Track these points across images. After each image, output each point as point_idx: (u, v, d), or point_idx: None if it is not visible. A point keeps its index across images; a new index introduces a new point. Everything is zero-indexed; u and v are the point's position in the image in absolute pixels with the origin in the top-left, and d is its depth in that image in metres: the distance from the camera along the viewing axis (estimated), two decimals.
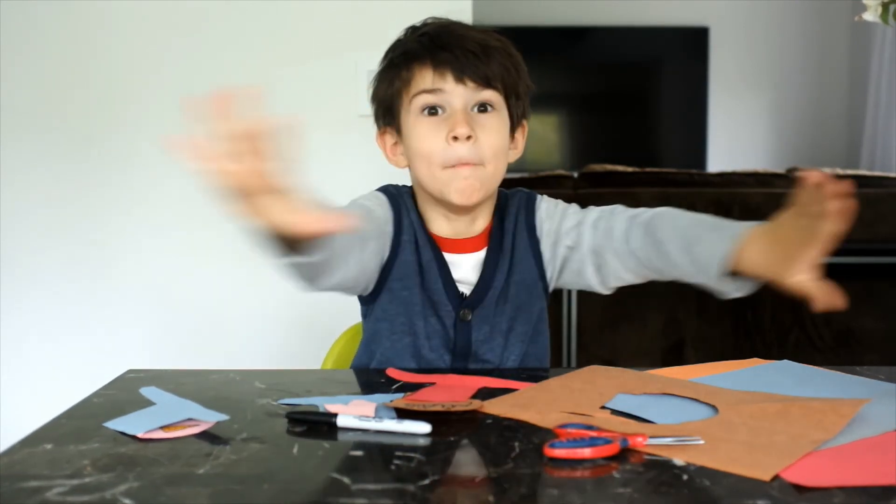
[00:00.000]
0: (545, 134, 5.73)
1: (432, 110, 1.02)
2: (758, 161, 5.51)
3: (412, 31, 1.08)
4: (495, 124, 1.04)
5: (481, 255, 1.08)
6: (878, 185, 3.11)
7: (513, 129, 1.09)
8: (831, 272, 3.01)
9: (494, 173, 1.04)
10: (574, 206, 1.13)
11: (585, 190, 2.98)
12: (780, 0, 5.47)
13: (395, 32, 1.11)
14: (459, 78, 1.01)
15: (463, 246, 1.08)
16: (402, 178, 1.15)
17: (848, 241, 3.11)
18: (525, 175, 3.17)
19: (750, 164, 5.40)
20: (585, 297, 2.86)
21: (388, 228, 1.06)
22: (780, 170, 3.83)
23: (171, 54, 1.87)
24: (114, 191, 1.88)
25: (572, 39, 5.52)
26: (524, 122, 1.12)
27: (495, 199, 1.11)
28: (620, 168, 3.18)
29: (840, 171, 3.40)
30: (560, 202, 1.14)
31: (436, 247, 1.07)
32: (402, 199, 1.09)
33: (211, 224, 1.90)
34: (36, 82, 1.86)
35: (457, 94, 1.01)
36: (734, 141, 5.57)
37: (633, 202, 3.32)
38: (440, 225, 1.08)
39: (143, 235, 1.90)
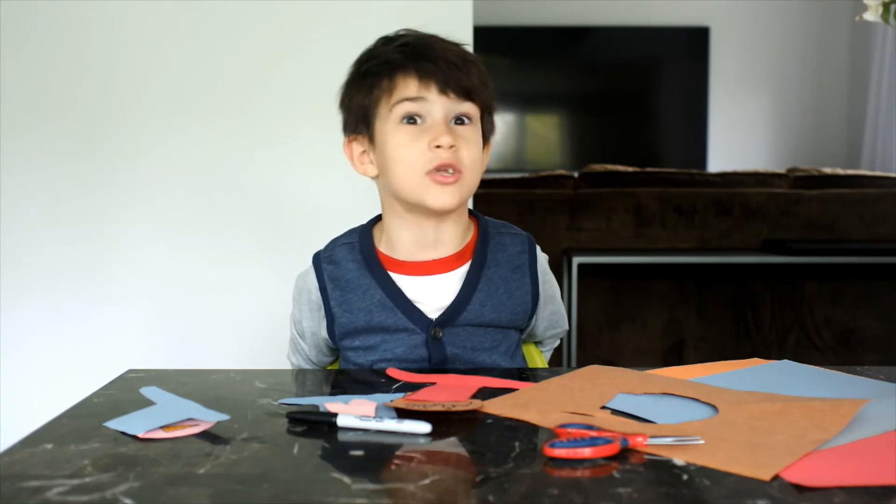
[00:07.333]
0: (545, 134, 5.73)
1: (412, 119, 1.03)
2: (758, 161, 5.52)
3: (387, 41, 1.07)
4: (473, 136, 1.05)
5: (455, 275, 1.08)
6: (879, 185, 3.11)
7: (483, 143, 1.09)
8: (832, 272, 3.04)
9: (471, 184, 1.05)
10: (555, 289, 1.17)
11: (585, 190, 2.99)
12: (780, 0, 5.47)
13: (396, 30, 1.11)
14: (443, 89, 1.02)
15: (431, 268, 1.08)
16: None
17: (848, 241, 3.13)
18: (525, 175, 3.17)
19: (750, 164, 5.40)
20: (585, 297, 2.86)
21: (321, 313, 1.11)
22: (780, 170, 3.83)
23: (171, 54, 1.87)
24: (115, 191, 1.88)
25: (572, 39, 5.52)
26: (490, 140, 1.11)
27: (466, 219, 1.11)
28: (621, 168, 3.19)
29: (840, 171, 3.40)
30: (548, 270, 1.16)
31: (387, 280, 1.07)
32: (340, 251, 1.10)
33: (212, 224, 1.91)
34: (37, 82, 1.86)
35: (439, 104, 1.02)
36: (734, 141, 5.58)
37: (633, 202, 3.33)
38: (406, 247, 1.08)
39: (144, 235, 1.90)
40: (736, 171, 3.17)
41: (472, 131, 1.05)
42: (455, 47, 1.06)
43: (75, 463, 0.69)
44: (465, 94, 1.03)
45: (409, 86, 1.02)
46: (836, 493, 0.61)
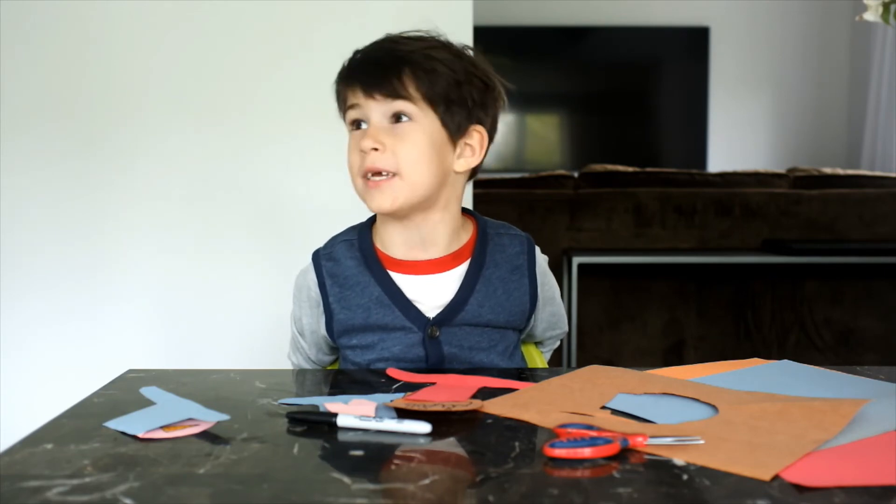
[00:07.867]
0: (545, 134, 5.73)
1: (356, 125, 1.07)
2: (758, 161, 5.52)
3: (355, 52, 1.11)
4: (410, 133, 1.03)
5: (453, 274, 1.08)
6: (879, 185, 3.11)
7: (455, 137, 1.07)
8: (832, 272, 3.04)
9: (415, 182, 1.03)
10: (554, 290, 1.18)
11: (585, 190, 2.99)
12: (780, 0, 5.47)
13: (395, 30, 1.11)
14: (368, 93, 1.04)
15: (428, 267, 1.08)
16: None
17: (848, 241, 3.13)
18: (525, 175, 3.17)
19: (750, 164, 5.40)
20: (585, 297, 2.86)
21: (320, 310, 1.11)
22: (780, 170, 3.83)
23: (171, 54, 1.87)
24: (115, 191, 1.88)
25: (572, 39, 5.52)
26: (478, 129, 1.08)
27: (458, 219, 1.11)
28: (621, 168, 3.19)
29: (840, 171, 3.40)
30: (547, 271, 1.16)
31: (385, 278, 1.08)
32: (339, 248, 1.11)
33: (211, 224, 1.91)
34: (36, 82, 1.86)
35: (371, 107, 1.04)
36: (734, 141, 5.57)
37: (633, 202, 3.32)
38: (398, 247, 1.09)
39: (144, 235, 1.90)
40: (736, 171, 3.17)
41: (410, 127, 1.03)
42: (408, 46, 1.05)
43: (75, 463, 0.69)
44: (393, 94, 1.03)
45: (347, 95, 1.07)
46: (836, 493, 0.61)
